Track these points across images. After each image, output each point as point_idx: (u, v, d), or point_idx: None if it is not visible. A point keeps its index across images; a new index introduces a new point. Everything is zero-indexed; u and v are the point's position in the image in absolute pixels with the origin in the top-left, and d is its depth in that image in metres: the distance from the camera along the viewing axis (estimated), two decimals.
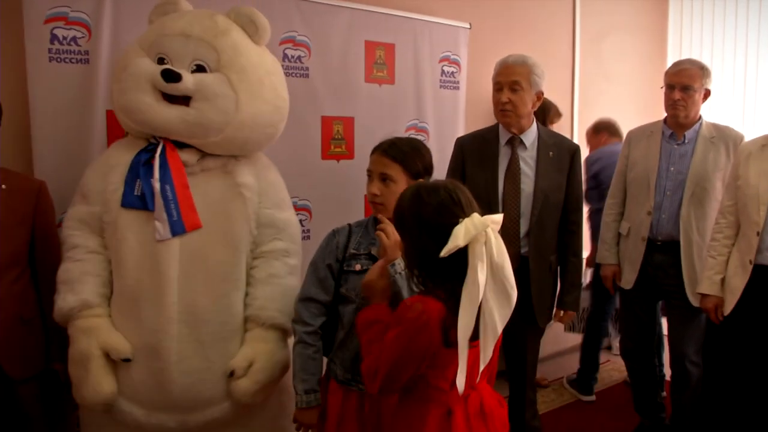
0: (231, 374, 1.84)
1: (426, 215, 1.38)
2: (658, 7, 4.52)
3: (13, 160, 2.10)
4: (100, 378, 1.76)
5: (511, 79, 2.34)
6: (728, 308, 2.39)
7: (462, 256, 1.32)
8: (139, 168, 1.82)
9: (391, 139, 1.84)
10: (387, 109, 2.97)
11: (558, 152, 2.44)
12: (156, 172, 1.79)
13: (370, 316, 1.50)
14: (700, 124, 2.70)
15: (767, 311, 2.26)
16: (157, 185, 1.78)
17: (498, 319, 1.35)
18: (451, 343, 1.33)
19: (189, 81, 1.80)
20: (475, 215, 1.35)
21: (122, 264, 1.82)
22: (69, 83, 2.17)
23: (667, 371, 2.86)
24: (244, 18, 1.96)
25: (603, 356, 3.66)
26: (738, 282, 2.36)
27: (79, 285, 1.81)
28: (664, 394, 2.99)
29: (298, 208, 2.65)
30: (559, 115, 3.43)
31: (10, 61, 2.14)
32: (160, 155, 1.81)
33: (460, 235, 1.31)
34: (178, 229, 1.80)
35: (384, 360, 1.37)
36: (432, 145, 3.10)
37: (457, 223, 1.33)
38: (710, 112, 3.70)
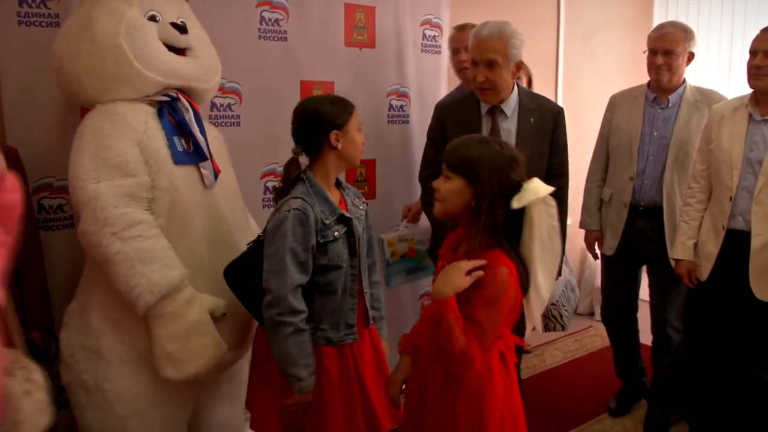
0: None
1: (499, 166, 1.48)
2: None
3: None
4: (218, 338, 1.84)
5: (486, 57, 2.24)
6: (704, 274, 2.40)
7: (518, 214, 1.48)
8: (171, 125, 1.88)
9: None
10: (367, 74, 2.90)
11: (540, 117, 2.39)
12: (195, 125, 1.91)
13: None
14: (684, 87, 2.67)
15: (741, 276, 2.26)
16: (201, 136, 1.91)
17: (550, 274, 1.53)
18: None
19: (191, 33, 1.98)
20: (536, 179, 1.49)
21: (188, 219, 1.85)
22: (39, 47, 2.08)
23: (646, 336, 2.89)
24: None
25: (586, 322, 3.69)
26: (711, 247, 2.36)
27: (170, 259, 1.75)
28: None
29: (277, 175, 2.62)
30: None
31: None
32: (191, 108, 1.93)
33: (539, 190, 1.46)
34: (215, 175, 1.95)
35: (488, 325, 1.45)
36: (413, 110, 3.07)
37: (521, 181, 1.48)
38: (696, 76, 3.68)
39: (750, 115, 2.28)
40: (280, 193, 1.81)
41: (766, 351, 2.33)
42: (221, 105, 2.50)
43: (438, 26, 3.16)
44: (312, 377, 1.74)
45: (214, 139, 2.03)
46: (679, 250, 2.49)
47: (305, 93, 2.69)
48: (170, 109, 1.89)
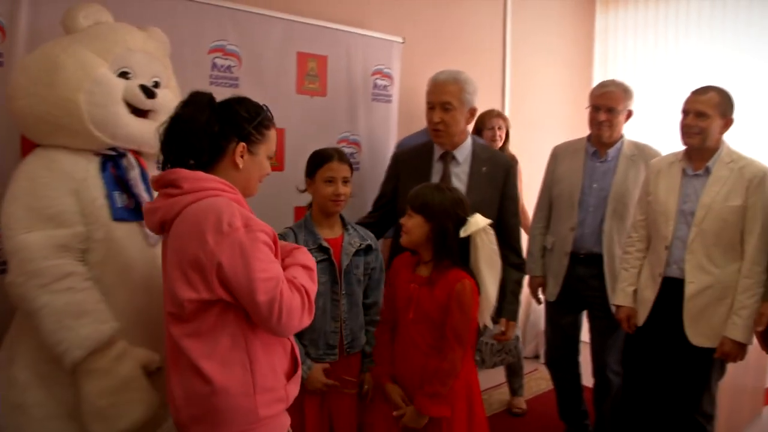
0: None
1: (450, 206, 1.94)
2: (585, 24, 4.70)
3: None
4: (151, 393, 1.79)
5: (442, 99, 2.35)
6: (641, 319, 2.49)
7: (465, 241, 1.95)
8: (113, 179, 1.85)
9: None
10: (319, 121, 2.95)
11: (492, 167, 2.45)
12: (140, 182, 1.87)
13: None
14: (622, 142, 2.80)
15: (676, 321, 2.37)
16: (145, 194, 1.87)
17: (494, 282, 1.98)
18: None
19: (159, 96, 1.92)
20: (477, 214, 1.96)
21: (126, 271, 1.81)
22: None
23: (590, 378, 2.96)
24: (162, 38, 2.12)
25: (532, 365, 3.75)
26: (649, 294, 2.47)
27: (101, 313, 1.72)
28: None
29: None
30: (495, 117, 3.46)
31: None
32: (138, 166, 1.90)
33: (479, 222, 1.93)
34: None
35: (465, 328, 1.92)
36: (364, 158, 3.12)
37: (466, 216, 1.94)
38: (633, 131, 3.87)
39: (683, 170, 2.42)
40: None
41: (700, 395, 2.43)
42: None
43: (389, 76, 3.24)
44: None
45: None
46: (620, 296, 2.58)
47: None
48: (114, 164, 1.86)
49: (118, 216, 1.81)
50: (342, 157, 2.19)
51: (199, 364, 1.43)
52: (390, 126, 3.27)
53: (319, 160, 2.16)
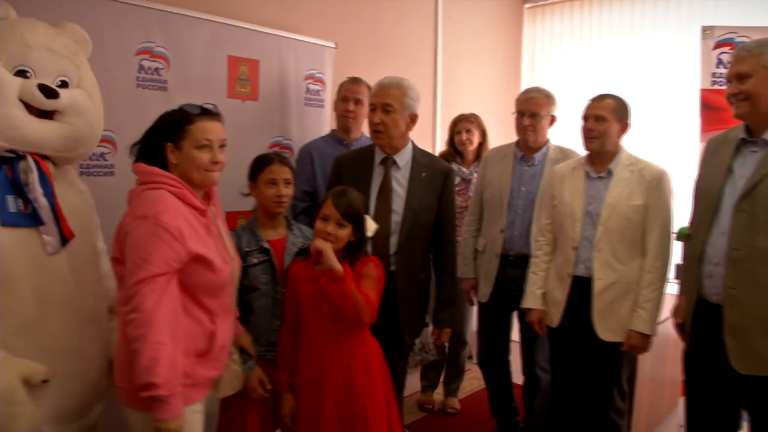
0: None
1: (361, 210, 2.09)
2: (513, 32, 4.86)
3: None
4: (32, 407, 1.69)
5: (384, 101, 2.40)
6: (555, 320, 2.58)
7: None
8: (8, 183, 1.75)
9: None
10: (250, 126, 2.92)
11: (431, 173, 2.50)
12: (38, 186, 1.77)
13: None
14: (548, 147, 2.91)
15: (587, 319, 2.47)
16: (43, 199, 1.78)
17: None
18: None
19: (64, 97, 1.82)
20: (368, 218, 2.12)
21: (13, 279, 1.72)
22: None
23: (519, 376, 3.05)
24: (78, 35, 2.00)
25: (466, 365, 3.81)
26: (559, 294, 2.56)
27: None
28: None
29: None
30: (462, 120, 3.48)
31: None
32: (38, 170, 1.79)
33: (371, 225, 2.11)
34: (62, 240, 1.83)
35: (376, 299, 2.06)
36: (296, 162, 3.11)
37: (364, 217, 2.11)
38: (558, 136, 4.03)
39: (587, 173, 2.54)
40: None
41: (611, 390, 2.54)
42: (94, 154, 2.41)
43: (321, 81, 3.25)
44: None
45: (76, 196, 1.95)
46: (529, 299, 2.67)
47: None
48: (11, 167, 1.76)
49: (8, 221, 1.72)
50: (283, 159, 2.26)
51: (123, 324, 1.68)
52: (322, 130, 3.27)
53: (261, 164, 2.24)
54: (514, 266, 2.86)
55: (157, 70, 2.59)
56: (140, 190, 1.76)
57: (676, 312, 2.28)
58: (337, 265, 1.95)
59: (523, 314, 2.91)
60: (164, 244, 1.65)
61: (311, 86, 3.20)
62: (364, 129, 2.86)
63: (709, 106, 3.31)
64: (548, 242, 2.66)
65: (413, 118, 2.48)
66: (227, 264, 1.84)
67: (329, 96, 3.27)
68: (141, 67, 2.54)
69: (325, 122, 3.28)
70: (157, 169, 1.76)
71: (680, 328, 2.27)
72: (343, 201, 2.05)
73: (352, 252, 2.09)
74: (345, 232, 2.04)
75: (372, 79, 2.61)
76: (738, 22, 3.50)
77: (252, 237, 2.21)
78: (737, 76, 2.03)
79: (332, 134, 3.09)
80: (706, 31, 3.36)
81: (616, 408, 2.57)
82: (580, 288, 2.49)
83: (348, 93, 3.00)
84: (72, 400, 1.85)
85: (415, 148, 2.55)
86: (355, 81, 3.02)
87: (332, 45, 3.30)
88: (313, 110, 3.22)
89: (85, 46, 2.02)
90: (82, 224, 1.93)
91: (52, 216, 1.80)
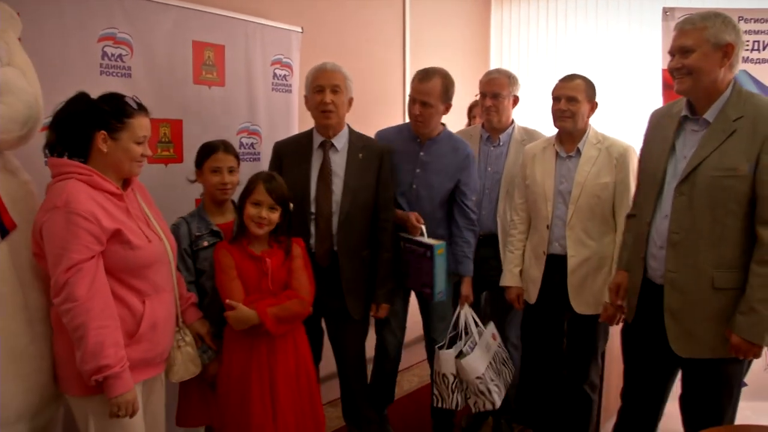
0: None
1: (288, 194, 2.24)
2: (481, 18, 4.89)
3: None
4: None
5: (332, 83, 2.51)
6: (533, 297, 2.64)
7: None
8: None
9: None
10: (218, 112, 2.91)
11: (367, 154, 2.58)
12: None
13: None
14: (513, 128, 2.96)
15: (562, 295, 2.54)
16: None
17: None
18: None
19: None
20: None
21: None
22: None
23: None
24: (7, 13, 1.92)
25: None
26: (535, 272, 2.62)
27: None
28: None
29: None
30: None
31: None
32: None
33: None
34: (2, 231, 1.76)
35: (310, 283, 2.26)
36: (265, 148, 3.12)
37: None
38: (524, 117, 4.09)
39: (557, 153, 2.58)
40: None
41: (588, 364, 2.61)
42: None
43: (288, 66, 3.24)
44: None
45: (19, 187, 1.85)
46: (507, 278, 2.73)
47: (152, 131, 2.63)
48: None
49: None
50: (228, 148, 2.35)
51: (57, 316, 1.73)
52: (290, 116, 3.27)
53: (205, 152, 2.32)
54: (484, 246, 2.90)
55: (120, 56, 2.56)
56: (51, 183, 1.77)
57: (617, 289, 2.26)
58: (251, 317, 2.07)
59: (494, 293, 2.98)
60: (80, 230, 1.67)
61: (278, 71, 3.19)
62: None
63: (670, 86, 3.30)
64: (522, 221, 2.71)
65: (350, 102, 2.61)
66: (151, 243, 1.86)
67: (297, 81, 3.26)
68: (104, 54, 2.51)
69: (293, 107, 3.28)
70: (66, 160, 1.78)
71: (618, 306, 2.29)
72: (275, 186, 2.18)
73: (280, 233, 2.22)
74: (276, 215, 2.18)
75: (340, 63, 2.63)
76: (698, 4, 3.57)
77: (201, 222, 2.29)
78: (680, 50, 1.96)
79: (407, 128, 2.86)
80: (667, 12, 3.42)
81: (591, 382, 2.64)
82: (556, 265, 2.55)
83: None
84: (17, 401, 1.76)
85: (351, 131, 2.63)
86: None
87: (299, 29, 3.29)
88: (281, 95, 3.22)
89: (14, 24, 1.94)
90: (24, 216, 1.82)
91: None
